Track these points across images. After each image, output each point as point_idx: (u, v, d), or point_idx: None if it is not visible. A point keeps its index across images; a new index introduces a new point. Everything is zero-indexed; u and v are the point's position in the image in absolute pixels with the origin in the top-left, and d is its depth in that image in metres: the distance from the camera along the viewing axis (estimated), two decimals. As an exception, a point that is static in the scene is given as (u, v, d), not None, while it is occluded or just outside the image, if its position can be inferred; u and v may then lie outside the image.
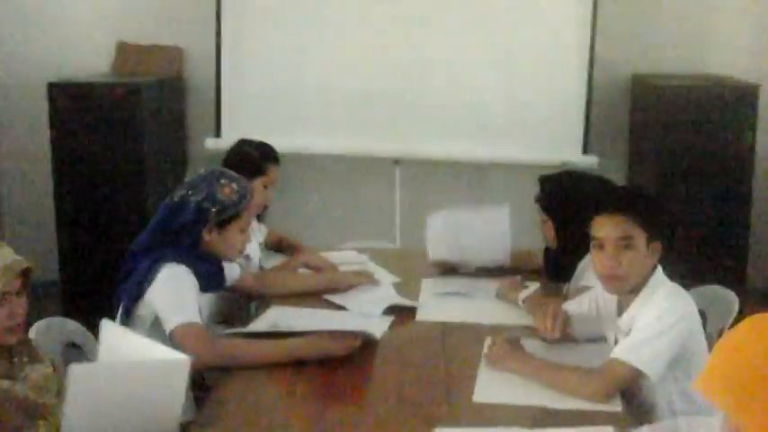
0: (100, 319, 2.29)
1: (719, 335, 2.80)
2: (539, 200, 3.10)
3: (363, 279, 3.16)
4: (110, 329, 2.26)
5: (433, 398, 2.34)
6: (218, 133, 5.08)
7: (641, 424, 2.08)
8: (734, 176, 4.84)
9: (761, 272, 5.07)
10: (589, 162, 4.82)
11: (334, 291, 3.08)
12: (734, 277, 4.56)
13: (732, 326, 2.88)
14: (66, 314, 3.22)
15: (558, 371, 2.39)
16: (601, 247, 2.43)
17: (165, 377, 2.09)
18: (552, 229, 3.05)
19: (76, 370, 1.99)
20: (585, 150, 5.00)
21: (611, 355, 2.34)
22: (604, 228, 2.42)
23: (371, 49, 4.99)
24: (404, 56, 4.96)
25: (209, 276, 2.63)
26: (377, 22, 4.97)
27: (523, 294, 3.03)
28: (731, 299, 3.12)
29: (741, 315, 3.05)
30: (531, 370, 2.42)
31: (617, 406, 2.25)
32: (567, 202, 2.97)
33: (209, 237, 2.60)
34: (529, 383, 2.38)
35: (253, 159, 3.31)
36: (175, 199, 2.61)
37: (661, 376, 2.32)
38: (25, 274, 2.20)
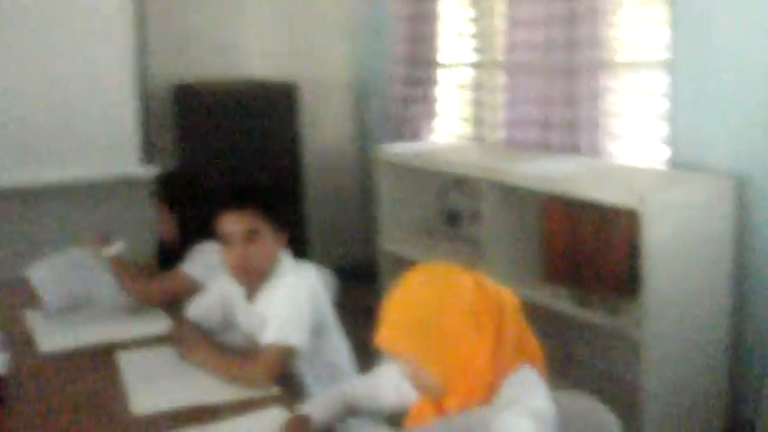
0: None
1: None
2: (158, 197, 3.16)
3: None
4: None
5: (90, 420, 2.28)
6: None
7: (299, 401, 2.24)
8: (286, 165, 5.25)
9: (320, 248, 5.49)
10: (151, 172, 4.82)
11: None
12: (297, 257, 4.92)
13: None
14: None
15: (224, 360, 2.49)
16: (228, 242, 2.54)
17: None
18: (172, 223, 3.14)
19: None
20: (144, 160, 5.03)
21: (264, 341, 2.46)
22: (230, 223, 2.54)
23: None
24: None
25: None
26: None
27: (109, 250, 3.09)
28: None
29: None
30: (204, 357, 2.51)
31: (273, 388, 2.38)
32: (190, 197, 3.10)
33: None
34: (183, 384, 2.43)
35: None
36: None
37: (308, 348, 2.49)
38: None
